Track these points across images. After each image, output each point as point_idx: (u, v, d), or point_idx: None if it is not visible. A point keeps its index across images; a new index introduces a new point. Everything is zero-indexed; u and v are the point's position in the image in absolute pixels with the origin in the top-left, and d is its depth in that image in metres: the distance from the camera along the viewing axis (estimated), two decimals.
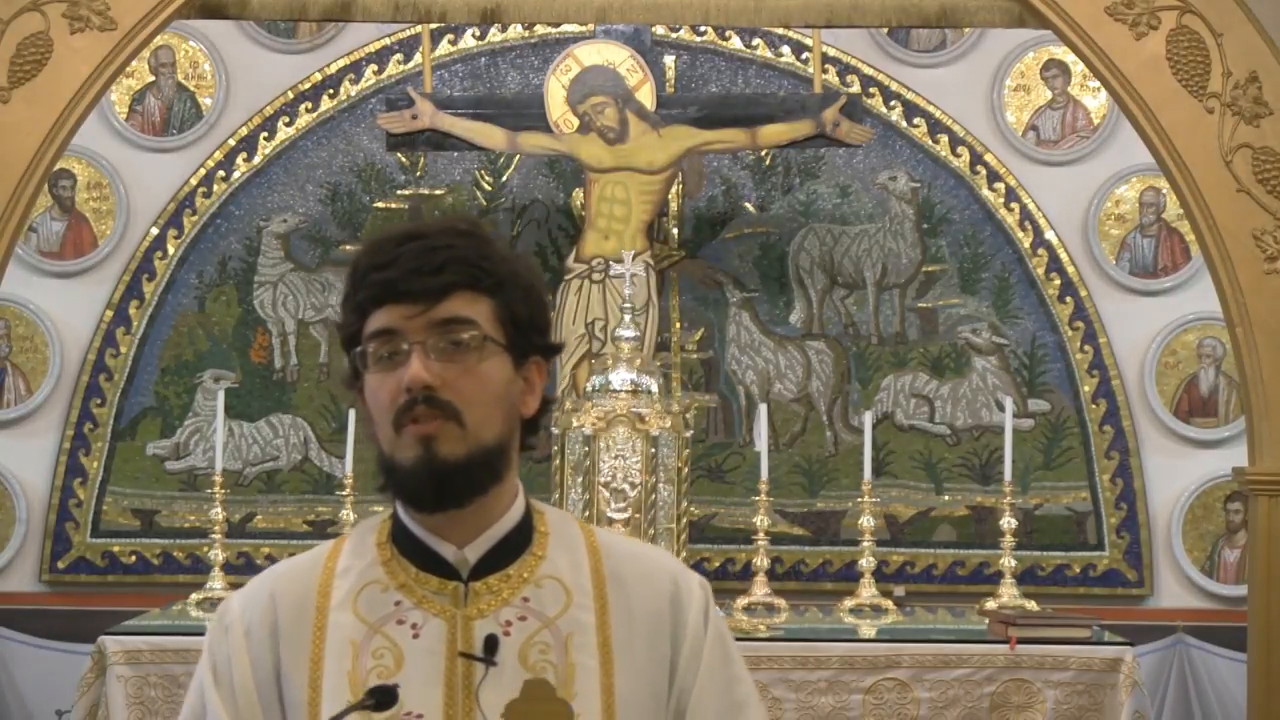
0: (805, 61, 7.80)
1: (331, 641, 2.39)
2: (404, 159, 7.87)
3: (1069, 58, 7.65)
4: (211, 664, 2.43)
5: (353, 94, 7.92)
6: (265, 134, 7.90)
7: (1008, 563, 6.92)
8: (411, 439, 2.33)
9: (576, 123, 7.33)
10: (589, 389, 6.83)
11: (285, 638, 2.40)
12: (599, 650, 2.39)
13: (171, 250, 7.85)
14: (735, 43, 7.91)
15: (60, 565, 7.77)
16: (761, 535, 6.89)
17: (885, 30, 7.78)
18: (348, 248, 7.87)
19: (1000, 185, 7.86)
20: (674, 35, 7.83)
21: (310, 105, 7.91)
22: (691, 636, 2.43)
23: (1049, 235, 7.83)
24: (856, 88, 7.83)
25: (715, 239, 7.86)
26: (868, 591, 6.92)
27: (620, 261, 6.98)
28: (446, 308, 2.34)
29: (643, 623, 2.42)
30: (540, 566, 2.43)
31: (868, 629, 6.59)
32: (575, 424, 6.67)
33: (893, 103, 7.89)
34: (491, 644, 2.36)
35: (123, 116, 7.92)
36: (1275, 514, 5.88)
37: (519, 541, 2.44)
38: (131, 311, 7.82)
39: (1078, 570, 7.75)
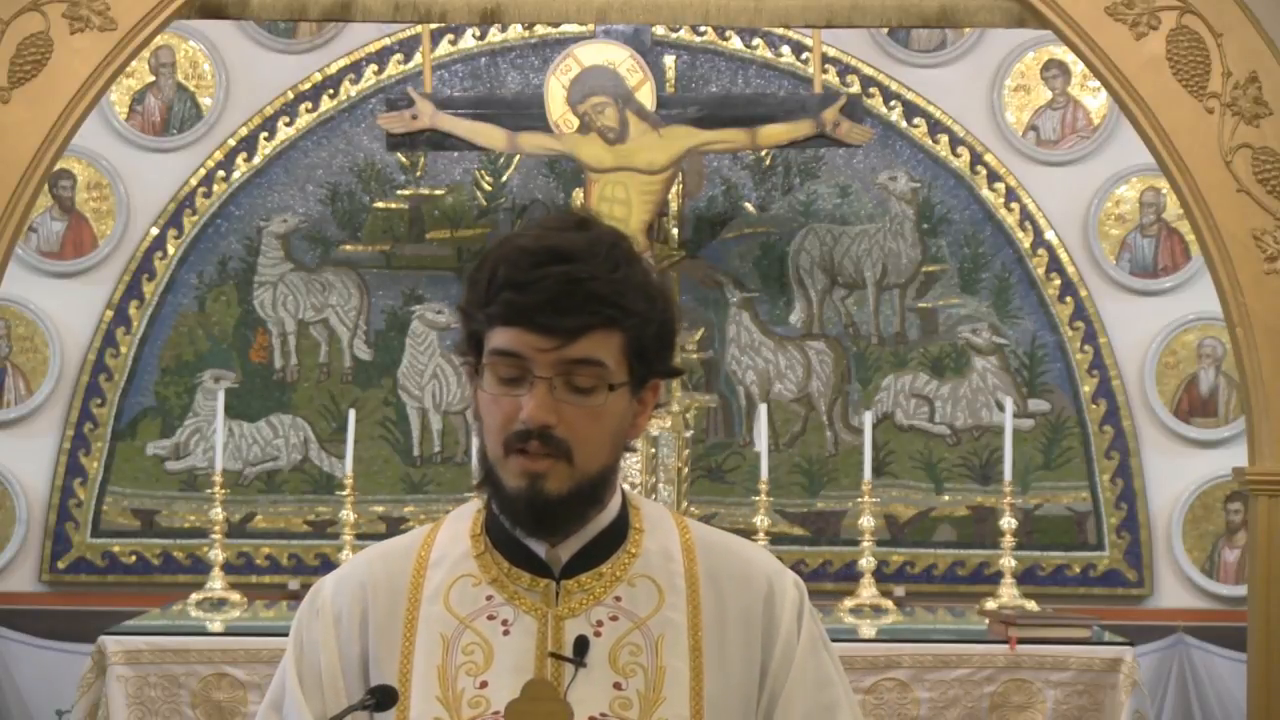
0: (805, 61, 7.80)
1: (423, 635, 2.37)
2: (404, 159, 7.86)
3: (1069, 58, 7.64)
4: (298, 646, 2.42)
5: (353, 94, 7.91)
6: (265, 134, 7.90)
7: (1008, 563, 6.93)
8: (518, 469, 2.30)
9: (576, 123, 7.32)
10: None
11: (376, 627, 2.39)
12: (689, 653, 2.36)
13: (171, 250, 7.85)
14: (735, 43, 7.91)
15: (60, 565, 7.77)
16: (761, 535, 6.88)
17: (885, 30, 7.77)
18: (348, 248, 7.88)
19: (1000, 185, 7.86)
20: (674, 35, 7.83)
21: (310, 105, 7.91)
22: (784, 639, 2.40)
23: (1049, 235, 7.83)
24: (856, 88, 7.83)
25: (715, 239, 7.85)
26: (868, 591, 6.92)
27: None
28: (579, 348, 2.28)
29: (735, 624, 2.39)
30: (634, 564, 2.40)
31: (868, 629, 6.59)
32: None
33: (893, 103, 7.89)
34: (582, 645, 2.33)
35: (123, 116, 7.92)
36: (1275, 514, 5.88)
37: (613, 539, 2.41)
38: (131, 311, 7.82)
39: (1078, 570, 7.75)
